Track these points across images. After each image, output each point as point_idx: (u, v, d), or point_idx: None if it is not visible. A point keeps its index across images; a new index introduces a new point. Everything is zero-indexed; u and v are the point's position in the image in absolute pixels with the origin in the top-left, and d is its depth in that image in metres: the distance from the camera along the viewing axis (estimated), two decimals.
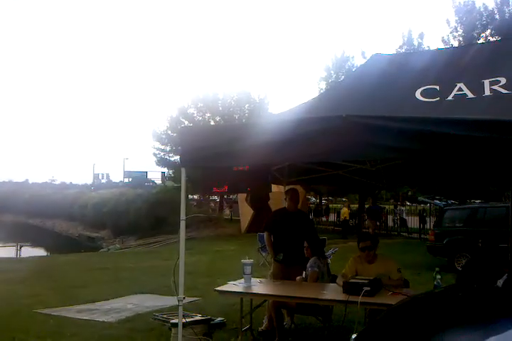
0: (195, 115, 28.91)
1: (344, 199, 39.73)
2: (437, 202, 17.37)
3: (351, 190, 28.29)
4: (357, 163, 5.35)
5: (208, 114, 28.65)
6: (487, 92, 3.69)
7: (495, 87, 3.70)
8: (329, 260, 7.13)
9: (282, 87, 73.49)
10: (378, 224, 22.50)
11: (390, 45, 35.62)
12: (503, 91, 3.64)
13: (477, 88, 3.75)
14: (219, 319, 5.21)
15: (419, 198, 20.53)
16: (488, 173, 5.64)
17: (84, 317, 6.18)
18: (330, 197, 40.33)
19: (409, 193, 32.44)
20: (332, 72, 24.53)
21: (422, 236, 18.96)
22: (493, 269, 4.10)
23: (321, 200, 34.28)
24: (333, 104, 4.23)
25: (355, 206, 28.17)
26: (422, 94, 3.87)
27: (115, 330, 5.47)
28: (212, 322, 4.91)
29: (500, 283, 2.00)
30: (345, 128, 3.31)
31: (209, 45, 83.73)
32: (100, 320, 6.04)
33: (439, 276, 3.78)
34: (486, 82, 3.79)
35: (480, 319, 1.65)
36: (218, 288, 4.46)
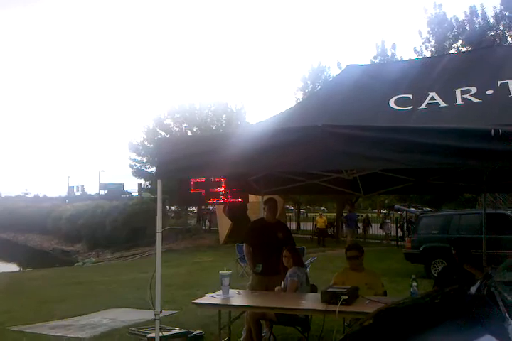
0: (172, 126, 28.76)
1: (322, 208, 40.05)
2: (413, 209, 17.71)
3: (329, 199, 28.55)
4: (334, 172, 5.38)
5: (185, 125, 28.52)
6: (459, 101, 3.77)
7: (466, 96, 3.79)
8: (308, 269, 7.12)
9: (259, 97, 73.95)
10: (356, 232, 22.70)
11: (364, 56, 36.34)
12: (474, 100, 3.73)
13: (449, 97, 3.83)
14: (197, 332, 5.13)
15: (395, 206, 20.86)
16: (462, 180, 5.76)
17: (58, 334, 5.99)
18: (308, 206, 40.52)
19: (386, 201, 32.97)
20: (308, 82, 24.85)
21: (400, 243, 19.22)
22: (466, 275, 4.18)
23: (299, 209, 34.39)
24: (310, 114, 4.26)
25: (331, 214, 28.38)
26: (395, 102, 3.93)
27: None
28: (190, 336, 4.82)
29: (473, 289, 2.02)
30: (322, 137, 3.33)
31: (185, 56, 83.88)
32: (75, 336, 5.85)
33: (415, 283, 3.80)
34: (458, 91, 3.88)
35: (455, 326, 1.65)
36: (196, 301, 4.38)
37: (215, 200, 4.76)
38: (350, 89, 4.74)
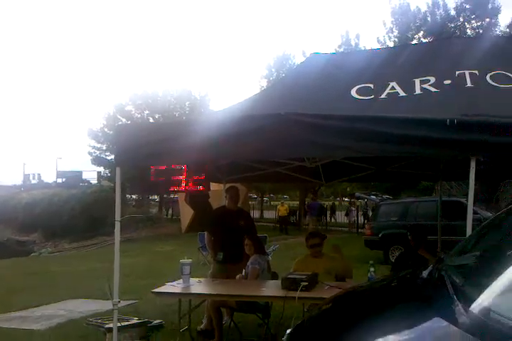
0: (134, 112, 28.10)
1: (285, 196, 40.47)
2: (373, 197, 18.13)
3: (292, 187, 28.85)
4: (296, 160, 5.40)
5: (147, 112, 27.94)
6: (418, 91, 3.85)
7: (425, 86, 3.87)
8: (270, 257, 7.17)
9: (224, 84, 73.16)
10: (320, 220, 23.05)
11: (329, 45, 36.58)
12: (433, 89, 3.82)
13: (408, 87, 3.91)
14: (157, 321, 5.06)
15: (355, 194, 21.27)
16: (419, 169, 5.90)
17: (13, 326, 5.80)
18: (271, 195, 40.86)
19: (348, 189, 33.61)
20: (273, 69, 24.87)
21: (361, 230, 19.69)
22: (421, 260, 4.31)
23: (262, 198, 34.60)
24: (274, 102, 4.25)
25: (295, 203, 28.72)
26: (357, 92, 3.98)
27: (45, 338, 5.17)
28: (149, 325, 4.75)
29: (425, 273, 2.09)
30: (285, 126, 3.34)
31: (148, 42, 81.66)
32: (30, 328, 5.68)
33: (372, 269, 3.89)
34: (417, 81, 3.96)
35: (406, 309, 1.69)
36: (156, 290, 4.33)
37: (176, 188, 4.67)
38: (313, 78, 4.75)
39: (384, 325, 1.56)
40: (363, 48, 18.45)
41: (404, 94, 3.83)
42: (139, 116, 27.82)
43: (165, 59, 59.50)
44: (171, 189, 4.75)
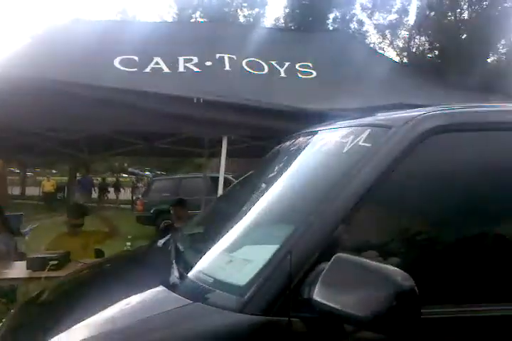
0: None
1: (54, 171, 37.11)
2: (147, 173, 18.26)
3: (61, 162, 26.60)
4: (51, 130, 4.93)
5: None
6: (181, 69, 3.97)
7: (188, 65, 4.01)
8: (27, 237, 6.50)
9: None
10: (96, 197, 21.91)
11: (108, 14, 34.31)
12: (195, 69, 3.98)
13: (172, 64, 3.98)
14: None
15: (129, 169, 20.97)
16: (187, 145, 6.09)
17: None
18: (37, 169, 37.02)
19: (126, 165, 32.94)
20: (39, 29, 22.20)
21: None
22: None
23: (25, 173, 30.94)
24: (33, 66, 3.77)
25: (64, 178, 26.63)
26: (120, 63, 3.87)
27: None
28: None
29: (160, 243, 2.21)
30: (42, 91, 3.02)
31: None
32: None
33: (129, 243, 3.93)
34: (181, 59, 4.07)
35: (134, 279, 1.73)
36: None
37: None
38: (75, 43, 4.38)
39: (107, 295, 1.56)
40: (141, 20, 18.08)
41: (168, 71, 3.89)
42: None
43: None
44: None
